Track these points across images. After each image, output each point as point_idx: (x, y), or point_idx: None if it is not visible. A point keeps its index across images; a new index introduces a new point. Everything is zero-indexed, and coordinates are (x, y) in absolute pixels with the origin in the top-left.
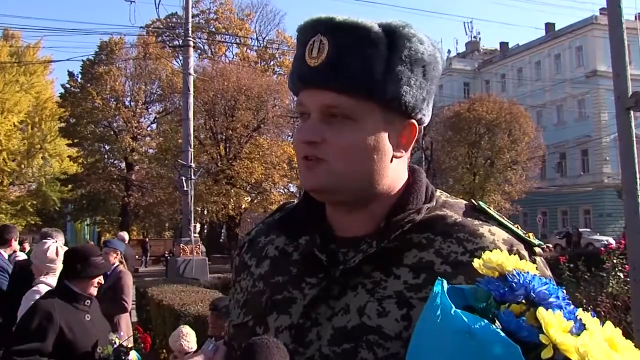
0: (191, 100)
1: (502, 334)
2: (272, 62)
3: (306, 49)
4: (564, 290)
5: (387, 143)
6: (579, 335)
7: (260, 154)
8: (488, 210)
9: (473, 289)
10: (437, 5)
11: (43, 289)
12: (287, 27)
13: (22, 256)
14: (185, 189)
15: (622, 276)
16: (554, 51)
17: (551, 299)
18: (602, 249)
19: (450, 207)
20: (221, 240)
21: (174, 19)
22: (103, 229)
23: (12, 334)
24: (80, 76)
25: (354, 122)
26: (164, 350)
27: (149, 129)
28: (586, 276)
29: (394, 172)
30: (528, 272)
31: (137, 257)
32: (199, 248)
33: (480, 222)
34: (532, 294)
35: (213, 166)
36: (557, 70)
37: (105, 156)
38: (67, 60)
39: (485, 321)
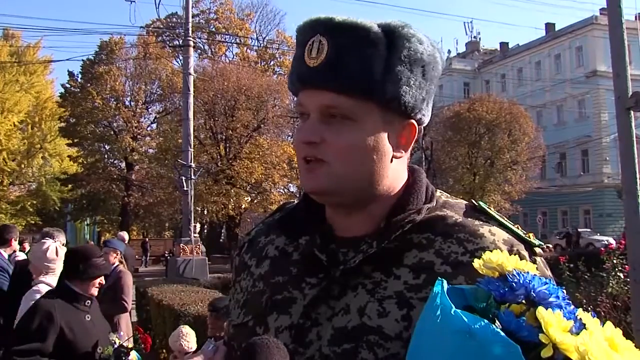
0: (191, 100)
1: (502, 333)
2: (272, 62)
3: (305, 49)
4: (564, 290)
5: (387, 143)
6: (578, 334)
7: (260, 154)
8: (488, 210)
9: (473, 289)
10: (437, 6)
11: (43, 288)
12: (287, 27)
13: (21, 256)
14: (185, 188)
15: (622, 276)
16: (554, 51)
17: (551, 299)
18: (602, 249)
19: (451, 207)
20: (221, 240)
21: (174, 19)
22: (103, 228)
23: (12, 334)
24: (80, 76)
25: (354, 122)
26: (164, 350)
27: (149, 128)
28: (586, 276)
29: (394, 172)
30: (528, 272)
31: (137, 257)
32: (199, 248)
33: (481, 222)
34: (532, 293)
35: (213, 166)
36: (557, 70)
37: (105, 156)
38: (67, 60)
39: (485, 321)
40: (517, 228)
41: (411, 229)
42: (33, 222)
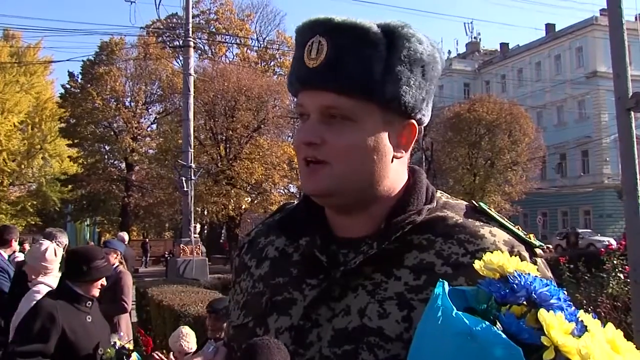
0: (191, 100)
1: (504, 336)
2: (272, 63)
3: (305, 50)
4: (565, 292)
5: (387, 143)
6: (580, 337)
7: (261, 154)
8: (489, 211)
9: (474, 290)
10: (437, 6)
11: (43, 289)
12: (287, 27)
13: (21, 257)
14: (185, 189)
15: (623, 277)
16: (554, 52)
17: (552, 301)
18: (603, 249)
19: (451, 208)
20: (221, 240)
21: (175, 20)
22: (103, 229)
23: (14, 334)
24: (80, 76)
25: (354, 122)
26: (164, 351)
27: (149, 129)
28: (586, 277)
29: (395, 172)
30: (529, 274)
31: (137, 257)
32: (199, 248)
33: (481, 223)
34: (533, 295)
35: (213, 167)
36: (557, 71)
37: (106, 156)
38: (68, 60)
39: (487, 323)
40: (518, 229)
41: (411, 229)
42: (33, 222)
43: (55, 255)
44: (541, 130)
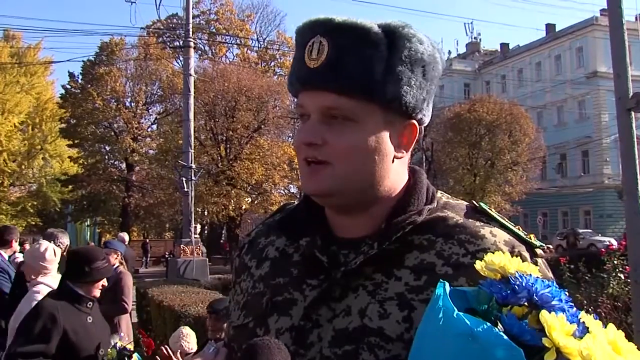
0: (192, 101)
1: (505, 337)
2: (272, 63)
3: (305, 51)
4: (566, 293)
5: (389, 144)
6: (582, 338)
7: (261, 154)
8: (489, 211)
9: (475, 291)
10: (437, 6)
11: (43, 289)
12: (287, 28)
13: (21, 257)
14: (185, 189)
15: (623, 277)
16: (555, 52)
17: (554, 302)
18: (603, 250)
19: (452, 208)
20: (222, 241)
21: (175, 20)
22: (103, 229)
23: (15, 334)
24: (80, 77)
25: (355, 123)
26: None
27: (149, 129)
28: (587, 277)
29: (395, 173)
30: (530, 275)
31: (137, 258)
32: (199, 249)
33: (482, 223)
34: (534, 296)
35: (213, 167)
36: (557, 71)
37: (106, 157)
38: (68, 61)
39: (488, 324)
40: (518, 229)
41: (412, 230)
42: (33, 223)
43: (55, 255)
44: (541, 130)
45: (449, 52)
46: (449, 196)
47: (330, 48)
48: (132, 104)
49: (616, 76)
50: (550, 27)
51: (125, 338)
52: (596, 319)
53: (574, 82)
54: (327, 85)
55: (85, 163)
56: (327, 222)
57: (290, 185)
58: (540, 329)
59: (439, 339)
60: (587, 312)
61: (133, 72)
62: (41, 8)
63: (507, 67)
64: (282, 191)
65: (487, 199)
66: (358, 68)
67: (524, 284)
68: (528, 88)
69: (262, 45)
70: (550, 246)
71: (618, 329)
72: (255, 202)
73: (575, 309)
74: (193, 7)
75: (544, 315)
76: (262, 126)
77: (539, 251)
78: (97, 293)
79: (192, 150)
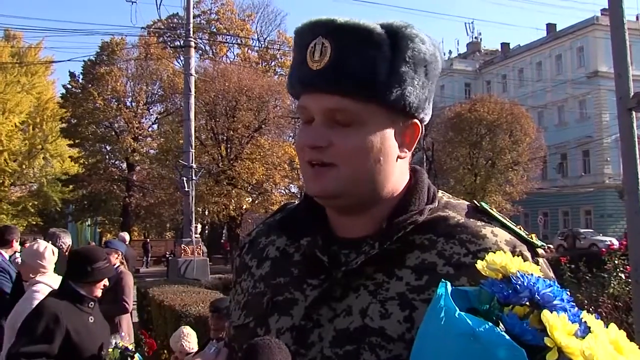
0: (192, 100)
1: (507, 336)
2: (273, 63)
3: (307, 52)
4: (568, 293)
5: (393, 144)
6: (583, 338)
7: (262, 154)
8: (490, 211)
9: (477, 291)
10: (438, 6)
11: (43, 289)
12: (288, 27)
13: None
14: (186, 189)
15: (624, 277)
16: (555, 52)
17: (556, 302)
18: (604, 249)
19: (453, 208)
20: (222, 240)
21: (175, 20)
22: (104, 229)
23: (17, 334)
24: (81, 77)
25: (359, 124)
26: (165, 351)
27: (150, 129)
28: (587, 277)
29: (398, 173)
30: (532, 274)
31: (138, 257)
32: (200, 249)
33: (483, 223)
34: (536, 296)
35: (214, 167)
36: (558, 70)
37: (107, 157)
38: (69, 60)
39: (490, 324)
40: (520, 229)
41: (413, 230)
42: (34, 222)
43: (53, 255)
44: (542, 130)
45: (450, 52)
46: (450, 196)
47: (333, 50)
48: (133, 103)
49: (617, 76)
50: (551, 27)
51: (126, 338)
52: (597, 318)
53: (574, 81)
54: (331, 88)
55: (86, 163)
56: (328, 221)
57: (291, 185)
58: (541, 329)
59: (440, 338)
60: (587, 312)
61: (134, 72)
62: (42, 8)
63: (508, 67)
64: (282, 191)
65: (488, 199)
66: (362, 69)
67: (525, 284)
68: (529, 88)
69: (263, 45)
70: (551, 246)
71: (619, 329)
72: (256, 201)
73: (576, 308)
74: (194, 7)
75: (545, 314)
76: (263, 126)
77: (540, 251)
78: (98, 293)
79: (193, 150)
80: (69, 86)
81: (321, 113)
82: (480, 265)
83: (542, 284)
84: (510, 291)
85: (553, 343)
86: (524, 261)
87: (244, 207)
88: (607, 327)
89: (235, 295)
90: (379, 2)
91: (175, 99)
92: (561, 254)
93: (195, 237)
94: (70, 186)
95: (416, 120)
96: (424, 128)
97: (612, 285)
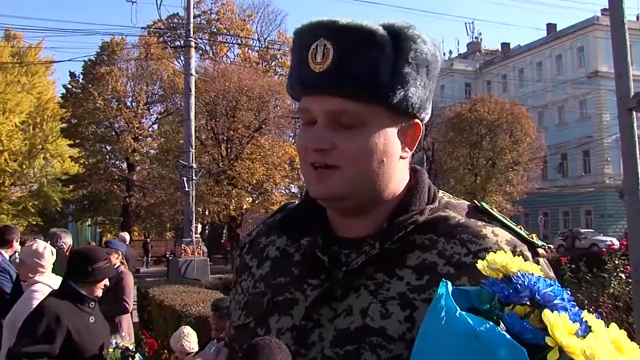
0: (192, 100)
1: (508, 336)
2: (273, 63)
3: (309, 54)
4: (569, 292)
5: (395, 145)
6: (584, 337)
7: (262, 154)
8: (491, 211)
9: (477, 290)
10: (438, 6)
11: (42, 289)
12: (288, 27)
13: None
14: (186, 189)
15: (624, 277)
16: (556, 52)
17: (556, 301)
18: (604, 249)
19: (453, 208)
20: (222, 240)
21: (176, 20)
22: (104, 229)
23: (17, 334)
24: (81, 77)
25: (362, 126)
26: (165, 351)
27: (150, 129)
28: (588, 277)
29: (399, 173)
30: (533, 274)
31: (138, 257)
32: (200, 249)
33: (484, 223)
34: (537, 296)
35: (214, 167)
36: (558, 70)
37: (107, 157)
38: (69, 60)
39: (491, 323)
40: (520, 229)
41: (414, 229)
42: (34, 222)
43: (52, 255)
44: (542, 130)
45: (450, 52)
46: (450, 196)
47: (336, 51)
48: (133, 103)
49: (617, 76)
50: (551, 27)
51: (126, 338)
52: (598, 318)
53: (575, 81)
54: (333, 90)
55: (86, 163)
56: (329, 221)
57: (291, 185)
58: (542, 328)
59: (441, 338)
60: (588, 312)
61: (134, 72)
62: (42, 8)
63: (508, 67)
64: (283, 191)
65: (488, 199)
66: (364, 71)
67: (526, 283)
68: (529, 88)
69: (263, 45)
70: (552, 246)
71: (619, 329)
72: (256, 201)
73: (577, 308)
74: (194, 7)
75: (546, 314)
76: (263, 126)
77: (540, 251)
78: (99, 293)
79: (193, 150)
80: (69, 86)
81: (324, 115)
82: (480, 265)
83: (543, 283)
84: (511, 291)
85: (554, 342)
86: (525, 261)
87: (244, 207)
88: (607, 326)
89: (236, 295)
90: (379, 2)
91: (175, 99)
92: (561, 254)
93: (196, 237)
94: (71, 186)
95: (417, 120)
96: (424, 127)
97: (612, 285)
